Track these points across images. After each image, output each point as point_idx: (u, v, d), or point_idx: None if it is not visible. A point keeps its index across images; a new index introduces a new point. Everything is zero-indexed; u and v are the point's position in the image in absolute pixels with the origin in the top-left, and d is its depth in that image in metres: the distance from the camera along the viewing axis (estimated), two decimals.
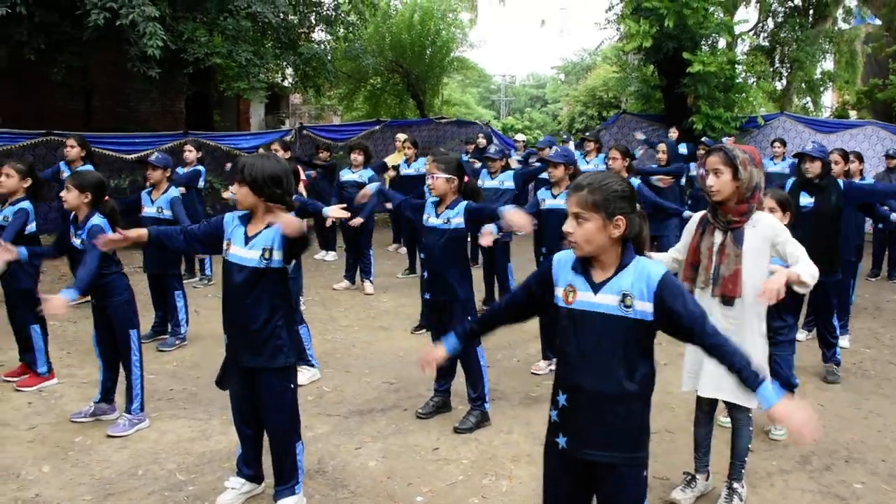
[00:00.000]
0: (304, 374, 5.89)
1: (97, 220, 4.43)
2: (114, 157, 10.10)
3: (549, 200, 5.64)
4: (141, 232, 3.54)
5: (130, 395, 4.59)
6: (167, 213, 6.03)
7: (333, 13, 14.97)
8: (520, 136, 14.88)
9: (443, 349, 2.85)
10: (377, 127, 13.06)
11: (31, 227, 5.16)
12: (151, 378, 5.30)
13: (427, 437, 4.63)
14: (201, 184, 8.31)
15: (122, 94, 15.58)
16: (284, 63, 14.07)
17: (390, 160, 10.18)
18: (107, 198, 4.59)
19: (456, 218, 4.64)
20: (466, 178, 4.74)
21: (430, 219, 4.76)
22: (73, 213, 4.59)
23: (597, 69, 33.29)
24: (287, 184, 3.38)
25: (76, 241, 4.52)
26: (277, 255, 3.33)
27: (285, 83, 19.97)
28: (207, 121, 14.91)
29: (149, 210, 6.10)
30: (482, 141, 11.62)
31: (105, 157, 9.93)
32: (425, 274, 4.81)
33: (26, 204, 5.14)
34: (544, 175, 7.38)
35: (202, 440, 4.50)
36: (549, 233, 5.57)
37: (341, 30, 15.46)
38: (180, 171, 8.52)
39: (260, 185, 3.29)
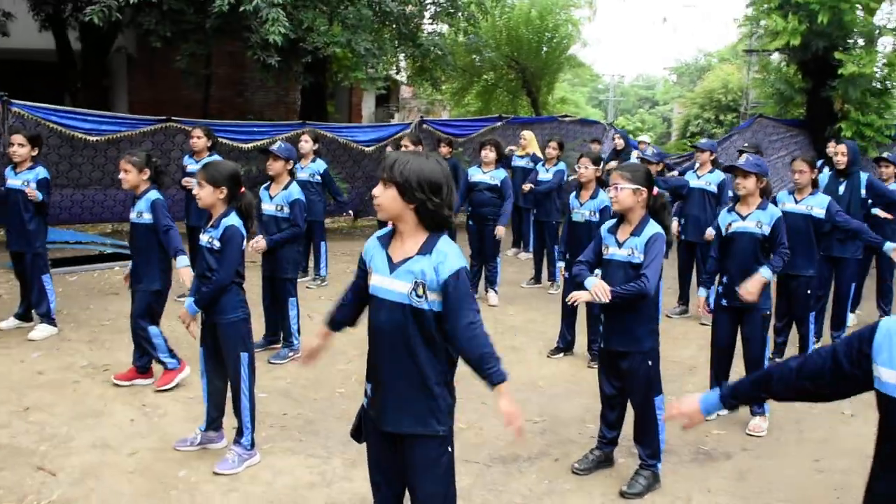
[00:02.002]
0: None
1: (233, 219, 3.74)
2: (230, 147, 9.58)
3: (737, 223, 4.53)
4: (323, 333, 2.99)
5: (240, 427, 3.85)
6: (286, 212, 5.30)
7: (452, 4, 14.13)
8: (644, 137, 13.64)
9: (697, 408, 2.34)
10: (498, 123, 12.12)
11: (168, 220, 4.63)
12: (263, 398, 4.56)
13: (588, 500, 3.71)
14: (317, 178, 7.59)
15: (239, 84, 15.33)
16: (403, 54, 13.40)
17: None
18: (243, 189, 3.87)
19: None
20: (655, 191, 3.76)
21: (611, 249, 3.80)
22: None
23: (713, 70, 31.37)
24: (447, 194, 2.50)
25: (204, 241, 3.82)
26: (435, 297, 2.46)
27: (398, 76, 19.42)
28: (321, 112, 14.39)
29: (267, 208, 5.38)
30: (620, 142, 10.49)
31: (221, 145, 9.43)
32: (602, 317, 3.88)
33: (155, 195, 4.57)
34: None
35: (322, 486, 3.72)
36: (735, 259, 4.52)
37: (462, 22, 14.63)
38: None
39: (413, 190, 2.43)
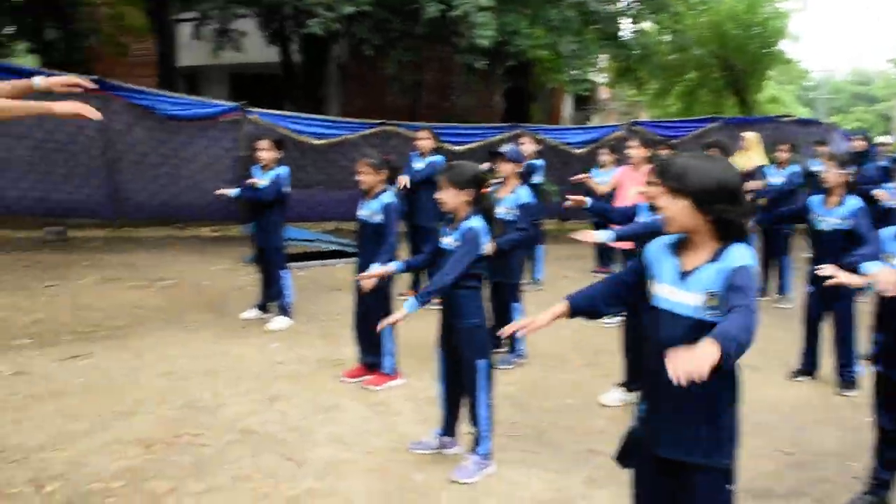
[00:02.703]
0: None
1: (475, 222, 3.62)
2: (443, 150, 9.67)
3: None
4: (559, 309, 2.60)
5: (478, 435, 3.72)
6: (515, 215, 5.12)
7: (656, 1, 13.45)
8: (885, 138, 12.14)
9: None
10: (715, 124, 11.32)
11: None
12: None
13: None
14: (537, 179, 7.41)
15: (444, 89, 15.60)
16: (609, 55, 12.99)
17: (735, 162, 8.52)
18: (484, 189, 3.74)
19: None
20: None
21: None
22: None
23: None
24: (743, 200, 2.18)
25: (445, 243, 3.74)
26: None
27: (597, 78, 18.93)
28: (525, 114, 14.31)
29: (496, 211, 5.23)
30: (860, 143, 9.37)
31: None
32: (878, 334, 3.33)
33: (389, 197, 4.63)
34: None
35: None
36: None
37: (667, 19, 13.92)
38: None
39: (711, 200, 2.13)
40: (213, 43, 13.90)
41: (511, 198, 5.15)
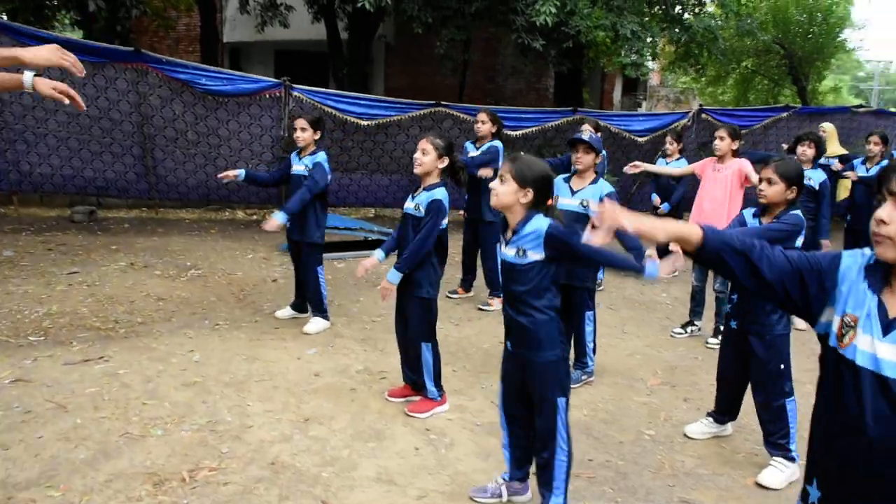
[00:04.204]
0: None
1: (540, 221, 2.81)
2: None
3: None
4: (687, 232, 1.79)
5: (550, 479, 2.92)
6: (591, 210, 4.29)
7: None
8: None
9: None
10: (784, 114, 10.26)
11: (444, 221, 3.81)
12: None
13: None
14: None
15: (490, 71, 14.73)
16: (670, 37, 11.95)
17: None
18: (551, 201, 2.91)
19: None
20: None
21: None
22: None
23: None
24: None
25: (509, 255, 2.93)
26: None
27: (649, 62, 17.83)
28: (577, 99, 13.34)
29: (569, 203, 4.38)
30: None
31: None
32: None
33: (441, 193, 3.82)
34: None
35: None
36: None
37: (734, 2, 12.81)
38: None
39: None
40: (258, 18, 13.25)
41: (592, 190, 4.30)
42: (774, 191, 3.56)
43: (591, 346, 4.55)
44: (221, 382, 4.20)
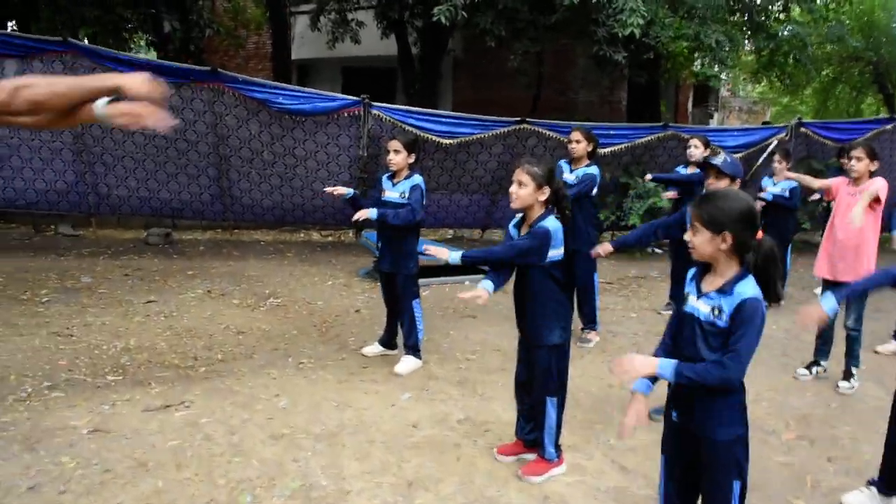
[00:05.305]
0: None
1: (749, 286, 2.25)
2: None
3: None
4: None
5: None
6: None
7: None
8: None
9: None
10: (889, 126, 9.34)
11: (558, 252, 3.26)
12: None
13: None
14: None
15: (562, 84, 14.12)
16: (755, 45, 11.21)
17: None
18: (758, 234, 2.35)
19: None
20: None
21: None
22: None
23: None
24: None
25: (698, 308, 2.37)
26: None
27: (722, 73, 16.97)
28: (654, 111, 12.63)
29: None
30: None
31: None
32: None
33: (553, 224, 3.24)
34: None
35: None
36: None
37: (822, 8, 11.96)
38: (680, 169, 6.38)
39: None
40: (329, 35, 13.00)
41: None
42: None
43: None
44: (312, 435, 3.73)
